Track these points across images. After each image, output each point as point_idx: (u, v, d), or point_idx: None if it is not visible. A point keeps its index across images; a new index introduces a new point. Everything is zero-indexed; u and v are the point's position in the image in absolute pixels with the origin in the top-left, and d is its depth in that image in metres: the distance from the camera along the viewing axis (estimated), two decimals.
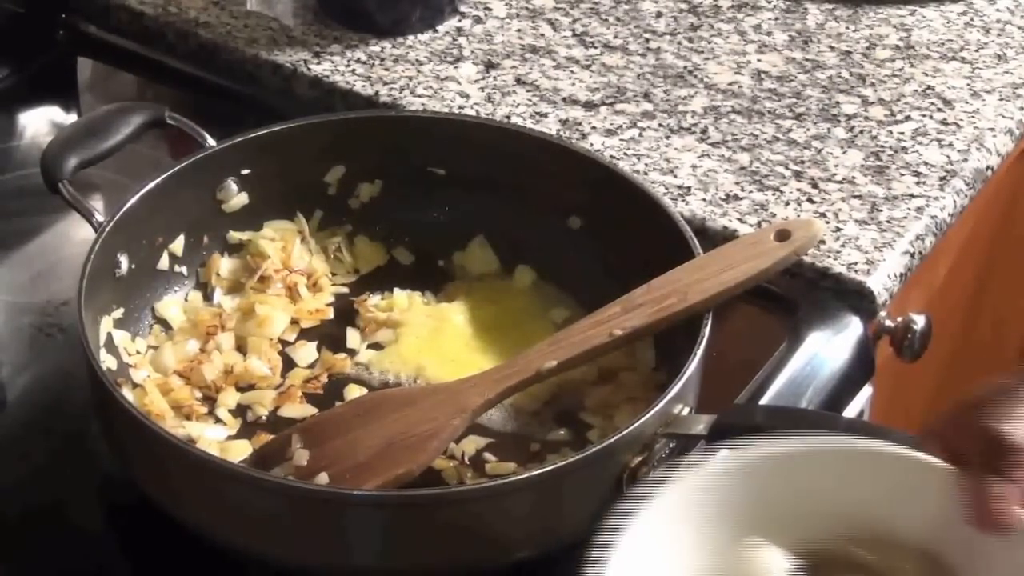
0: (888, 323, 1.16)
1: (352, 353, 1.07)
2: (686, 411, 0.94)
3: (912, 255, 1.17)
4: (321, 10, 1.38)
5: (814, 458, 0.75)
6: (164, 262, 1.08)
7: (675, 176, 1.21)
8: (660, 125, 1.26)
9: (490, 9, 1.40)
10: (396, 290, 1.11)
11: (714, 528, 0.75)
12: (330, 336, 1.08)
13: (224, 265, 1.11)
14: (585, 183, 1.09)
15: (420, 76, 1.31)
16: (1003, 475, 0.64)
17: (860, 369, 1.13)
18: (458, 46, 1.35)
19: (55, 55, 1.41)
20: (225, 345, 1.06)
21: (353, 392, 1.04)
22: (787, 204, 1.18)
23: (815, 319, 1.11)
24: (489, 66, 1.33)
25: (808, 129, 1.26)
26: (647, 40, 1.37)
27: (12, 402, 1.08)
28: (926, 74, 1.34)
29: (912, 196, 1.20)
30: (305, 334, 1.08)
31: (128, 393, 0.99)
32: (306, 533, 0.89)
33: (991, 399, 0.66)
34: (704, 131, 1.26)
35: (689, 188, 1.20)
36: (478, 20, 1.38)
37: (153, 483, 0.94)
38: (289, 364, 1.06)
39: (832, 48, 1.36)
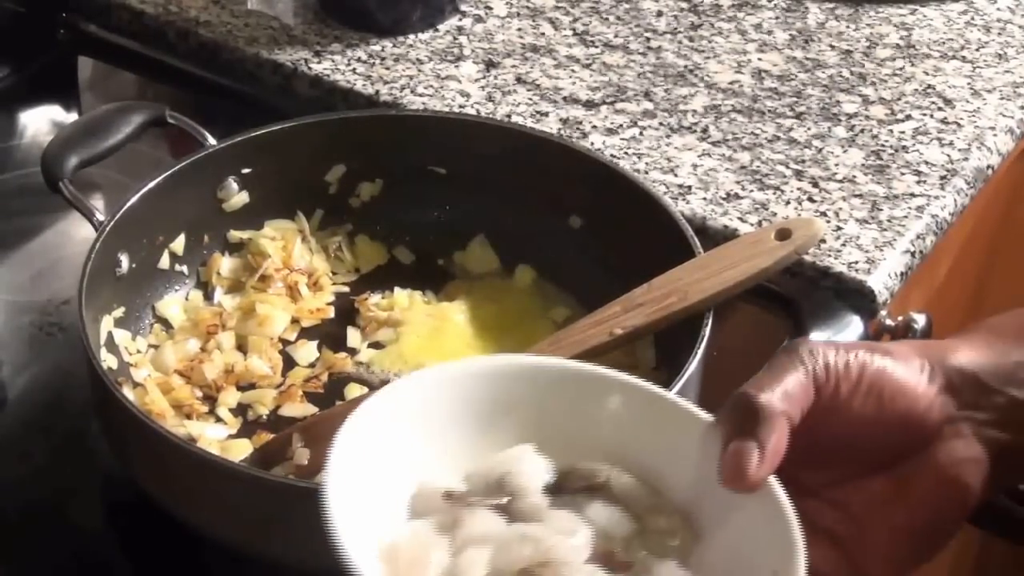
0: (888, 322, 1.15)
1: (353, 352, 1.07)
2: None
3: (913, 254, 1.17)
4: (322, 9, 1.38)
5: (586, 382, 0.75)
6: (165, 261, 1.08)
7: (676, 175, 1.21)
8: (661, 124, 1.26)
9: (491, 8, 1.40)
10: (397, 289, 1.11)
11: (471, 429, 0.73)
12: (331, 335, 1.08)
13: (225, 264, 1.11)
14: (586, 182, 1.09)
15: (421, 75, 1.31)
16: (751, 435, 0.69)
17: None
18: (459, 45, 1.35)
19: (56, 54, 1.41)
20: (226, 344, 1.06)
21: (354, 391, 1.04)
22: (788, 203, 1.18)
23: (816, 318, 1.11)
24: (490, 65, 1.33)
25: (809, 128, 1.26)
26: (648, 39, 1.37)
27: (12, 401, 1.08)
28: (927, 73, 1.34)
29: (913, 195, 1.20)
30: (306, 333, 1.08)
31: (129, 392, 0.99)
32: (306, 532, 0.89)
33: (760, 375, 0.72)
34: (705, 130, 1.26)
35: (690, 187, 1.20)
36: (479, 19, 1.38)
37: (153, 482, 0.94)
38: (290, 363, 1.06)
39: (833, 47, 1.36)
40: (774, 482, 0.69)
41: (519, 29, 1.37)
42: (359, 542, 0.67)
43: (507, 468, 0.72)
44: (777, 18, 1.40)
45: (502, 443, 0.73)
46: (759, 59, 1.34)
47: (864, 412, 0.72)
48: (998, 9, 1.42)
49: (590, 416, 0.74)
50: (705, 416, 0.73)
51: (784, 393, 0.70)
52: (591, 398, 0.74)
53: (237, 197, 1.11)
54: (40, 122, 1.36)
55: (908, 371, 0.72)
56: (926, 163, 1.23)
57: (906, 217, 1.18)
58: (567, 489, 0.72)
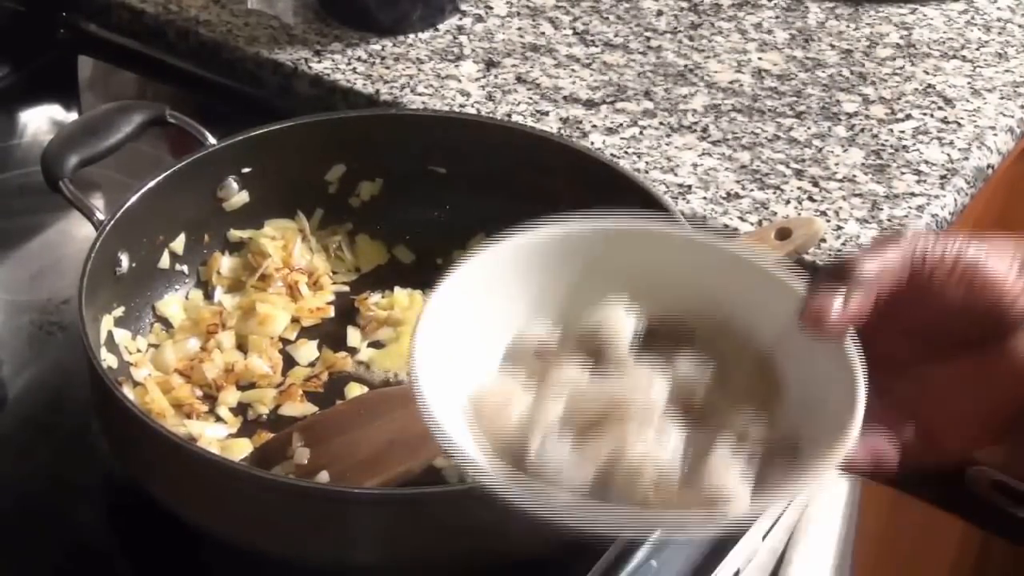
0: None
1: (353, 351, 1.07)
2: None
3: None
4: (322, 8, 1.38)
5: (674, 242, 0.79)
6: (165, 260, 1.08)
7: (676, 175, 1.21)
8: (661, 123, 1.26)
9: (491, 7, 1.40)
10: (397, 288, 1.11)
11: (557, 284, 0.77)
12: (331, 334, 1.08)
13: (225, 263, 1.11)
14: (586, 182, 1.09)
15: (421, 75, 1.31)
16: (837, 290, 0.73)
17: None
18: (459, 44, 1.35)
19: (56, 53, 1.41)
20: (226, 343, 1.06)
21: (354, 390, 1.04)
22: (788, 202, 1.18)
23: None
24: (490, 64, 1.33)
25: (809, 127, 1.26)
26: (648, 38, 1.37)
27: (12, 400, 1.08)
28: (927, 72, 1.34)
29: (913, 195, 1.20)
30: (306, 332, 1.08)
31: (129, 391, 0.99)
32: (307, 531, 0.89)
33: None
34: (705, 129, 1.26)
35: (690, 186, 1.20)
36: (479, 18, 1.38)
37: (153, 481, 0.94)
38: (290, 362, 1.06)
39: (833, 47, 1.36)
40: (849, 341, 0.73)
41: (519, 28, 1.37)
42: (442, 395, 0.71)
43: (599, 321, 0.76)
44: (777, 17, 1.40)
45: (592, 300, 0.77)
46: (759, 58, 1.34)
47: (953, 299, 0.75)
48: (998, 8, 1.43)
49: (678, 274, 0.78)
50: (793, 276, 0.77)
51: (878, 264, 0.74)
52: (680, 257, 0.78)
53: (237, 196, 1.11)
54: (40, 121, 1.36)
55: (1000, 264, 0.75)
56: (926, 162, 1.23)
57: (906, 216, 1.18)
58: (655, 342, 0.76)
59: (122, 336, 1.03)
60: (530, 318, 0.77)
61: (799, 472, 0.70)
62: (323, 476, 0.93)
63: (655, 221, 0.79)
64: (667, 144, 1.24)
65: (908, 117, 1.28)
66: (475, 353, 0.75)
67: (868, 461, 0.74)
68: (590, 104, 1.28)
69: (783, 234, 1.00)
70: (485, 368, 0.75)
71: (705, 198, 1.18)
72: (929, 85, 1.32)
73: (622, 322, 0.76)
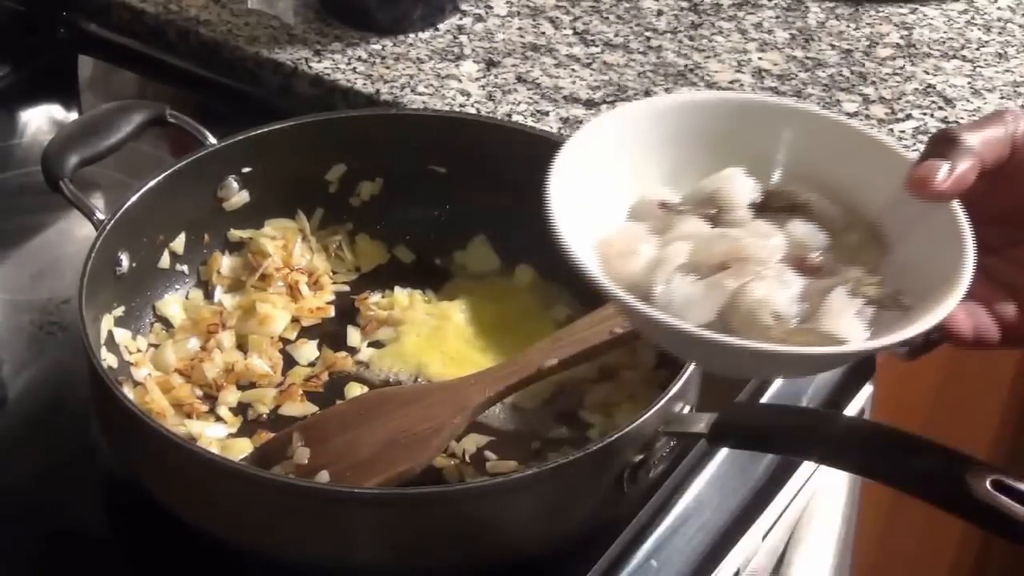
0: None
1: (353, 351, 1.07)
2: (687, 409, 0.94)
3: None
4: (322, 8, 1.38)
5: (780, 114, 0.85)
6: (165, 260, 1.08)
7: None
8: None
9: (491, 7, 1.40)
10: (397, 288, 1.11)
11: (675, 148, 0.83)
12: (331, 334, 1.08)
13: (225, 263, 1.11)
14: None
15: (421, 74, 1.31)
16: (943, 157, 0.77)
17: (861, 367, 1.13)
18: (459, 44, 1.35)
19: (56, 53, 1.41)
20: (226, 343, 1.06)
21: (354, 390, 1.04)
22: None
23: None
24: (490, 64, 1.33)
25: None
26: (648, 38, 1.37)
27: (13, 400, 1.08)
28: (927, 72, 1.34)
29: None
30: (306, 332, 1.08)
31: (129, 391, 0.99)
32: (307, 531, 0.89)
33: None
34: None
35: None
36: (479, 18, 1.38)
37: (154, 481, 0.94)
38: (290, 362, 1.06)
39: (833, 46, 1.36)
40: (957, 205, 0.77)
41: (519, 28, 1.37)
42: (576, 235, 0.77)
43: (718, 185, 0.81)
44: (777, 17, 1.40)
45: (716, 166, 0.82)
46: (759, 58, 1.34)
47: None
48: (998, 8, 1.42)
49: (795, 145, 0.83)
50: (901, 146, 0.82)
51: (982, 137, 0.77)
52: (796, 130, 0.83)
53: (237, 196, 1.11)
54: (40, 121, 1.36)
55: None
56: None
57: None
58: (771, 207, 0.81)
59: (122, 336, 1.03)
60: (654, 181, 0.82)
61: (908, 322, 0.75)
62: (323, 476, 0.93)
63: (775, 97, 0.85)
64: None
65: (908, 117, 1.28)
66: (603, 205, 0.80)
67: (970, 330, 0.77)
68: (590, 104, 1.28)
69: None
70: (612, 220, 0.81)
71: None
72: (929, 85, 1.32)
73: (742, 186, 0.81)
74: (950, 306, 0.74)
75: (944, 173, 0.77)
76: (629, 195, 0.82)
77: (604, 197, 0.81)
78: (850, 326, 0.76)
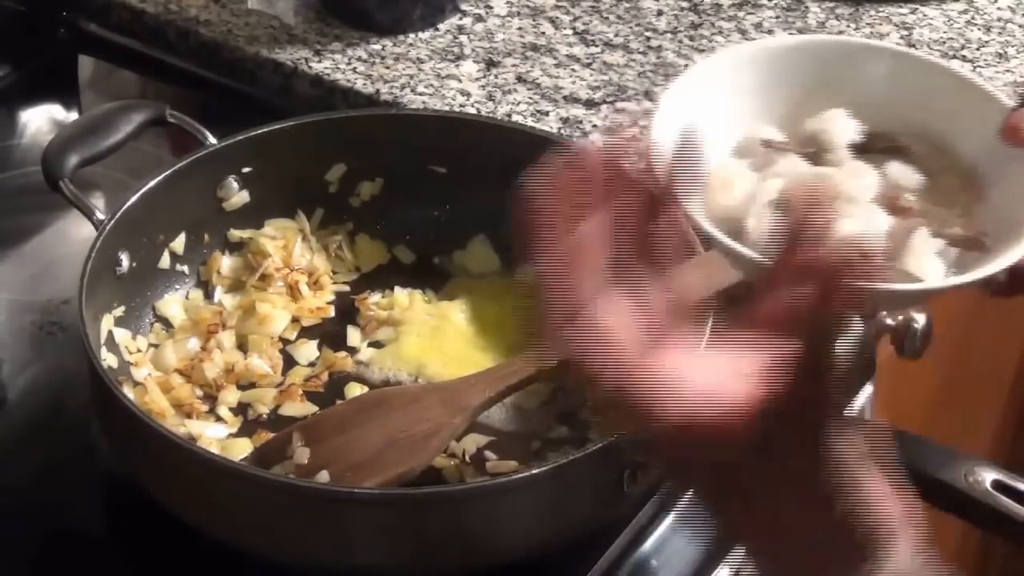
0: (889, 321, 1.15)
1: (353, 351, 1.07)
2: None
3: None
4: (322, 8, 1.38)
5: (884, 56, 0.87)
6: (165, 260, 1.08)
7: None
8: None
9: (491, 7, 1.40)
10: (397, 288, 1.11)
11: (779, 89, 0.85)
12: (331, 334, 1.08)
13: (225, 263, 1.11)
14: None
15: (421, 74, 1.31)
16: None
17: (861, 368, 1.12)
18: (459, 44, 1.35)
19: (56, 53, 1.41)
20: (226, 343, 1.06)
21: (354, 390, 1.04)
22: None
23: None
24: (490, 64, 1.33)
25: None
26: (648, 38, 1.37)
27: (13, 400, 1.08)
28: None
29: None
30: (306, 332, 1.08)
31: (129, 391, 0.99)
32: (307, 531, 0.89)
33: None
34: None
35: None
36: (479, 18, 1.38)
37: (154, 481, 0.94)
38: (290, 362, 1.06)
39: None
40: None
41: (519, 28, 1.37)
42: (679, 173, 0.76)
43: (820, 126, 0.83)
44: (777, 17, 1.40)
45: (819, 108, 0.84)
46: None
47: None
48: (998, 8, 1.42)
49: (895, 90, 0.85)
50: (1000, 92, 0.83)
51: None
52: (898, 74, 0.85)
53: (237, 196, 1.11)
54: (40, 121, 1.36)
55: None
56: None
57: None
58: (871, 149, 0.83)
59: (122, 336, 1.03)
60: (760, 120, 0.85)
61: (987, 261, 0.77)
62: (323, 476, 0.93)
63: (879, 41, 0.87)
64: None
65: None
66: (708, 143, 0.81)
67: None
68: (590, 104, 1.28)
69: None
70: (716, 157, 0.83)
71: None
72: None
73: (842, 125, 0.83)
74: None
75: None
76: (735, 134, 0.85)
77: (710, 135, 0.83)
78: (930, 265, 0.78)
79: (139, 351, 1.05)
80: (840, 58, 0.86)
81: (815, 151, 0.83)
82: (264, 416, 1.02)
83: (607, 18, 1.39)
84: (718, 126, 0.84)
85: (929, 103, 0.85)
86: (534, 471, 0.89)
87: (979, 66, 1.35)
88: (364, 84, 1.30)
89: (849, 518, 0.65)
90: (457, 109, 1.27)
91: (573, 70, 1.32)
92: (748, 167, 0.83)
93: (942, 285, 0.79)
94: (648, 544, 0.96)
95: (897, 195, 0.82)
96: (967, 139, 0.84)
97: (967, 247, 0.79)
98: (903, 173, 0.83)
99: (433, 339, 1.07)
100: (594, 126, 1.25)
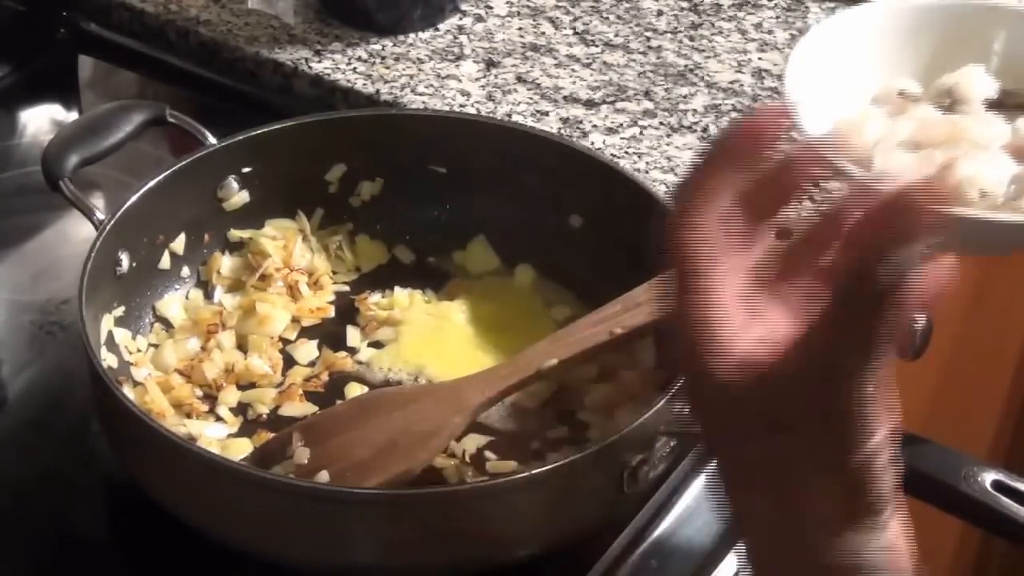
0: None
1: (353, 351, 1.07)
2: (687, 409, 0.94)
3: None
4: (322, 8, 1.38)
5: (1018, 16, 0.90)
6: (165, 260, 1.08)
7: (676, 175, 1.21)
8: (661, 123, 1.26)
9: (491, 7, 1.40)
10: (397, 288, 1.11)
11: (919, 44, 0.89)
12: (331, 334, 1.08)
13: (225, 263, 1.11)
14: (586, 182, 1.09)
15: (421, 74, 1.31)
16: None
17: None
18: (459, 44, 1.35)
19: (56, 53, 1.41)
20: (226, 343, 1.06)
21: (354, 390, 1.04)
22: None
23: None
24: (490, 64, 1.33)
25: None
26: (648, 38, 1.37)
27: (13, 400, 1.08)
28: None
29: None
30: (306, 332, 1.08)
31: (129, 391, 0.99)
32: (306, 531, 0.89)
33: None
34: (705, 129, 1.26)
35: None
36: (479, 18, 1.38)
37: (154, 481, 0.94)
38: (290, 362, 1.06)
39: None
40: None
41: (519, 28, 1.37)
42: (812, 113, 0.83)
43: (958, 80, 0.87)
44: (777, 17, 1.40)
45: (956, 64, 0.87)
46: (759, 58, 1.34)
47: None
48: None
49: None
50: None
51: None
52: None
53: (237, 196, 1.11)
54: (40, 121, 1.36)
55: None
56: None
57: None
58: (1005, 105, 0.86)
59: (122, 336, 1.03)
60: (899, 72, 0.88)
61: None
62: (323, 476, 0.93)
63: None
64: (667, 144, 1.24)
65: None
66: (847, 90, 0.87)
67: None
68: (590, 104, 1.28)
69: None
70: (855, 104, 0.87)
71: None
72: None
73: (979, 81, 0.87)
74: None
75: None
76: (874, 83, 0.88)
77: (850, 83, 0.87)
78: None
79: (139, 351, 1.05)
80: (981, 16, 0.89)
81: (950, 103, 0.86)
82: (264, 416, 1.02)
83: (607, 18, 1.39)
84: (857, 75, 0.87)
85: None
86: (534, 471, 0.89)
87: None
88: (364, 84, 1.30)
89: (871, 500, 0.65)
90: (457, 109, 1.27)
91: (573, 70, 1.32)
92: (883, 114, 0.86)
93: None
94: (648, 544, 0.97)
95: None
96: None
97: None
98: None
99: (433, 339, 1.07)
100: (594, 126, 1.26)
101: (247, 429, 1.01)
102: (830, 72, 0.87)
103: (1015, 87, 0.87)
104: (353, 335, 1.08)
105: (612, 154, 1.22)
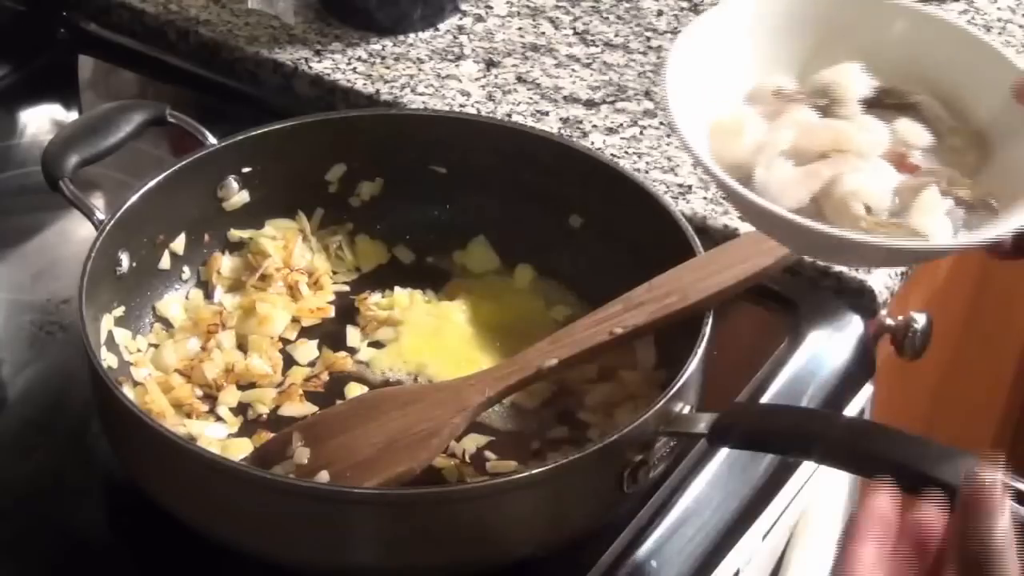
0: (889, 321, 1.16)
1: (353, 351, 1.07)
2: (687, 410, 0.94)
3: None
4: (322, 8, 1.38)
5: (900, 13, 0.88)
6: (165, 260, 1.08)
7: (676, 175, 1.21)
8: (661, 123, 1.26)
9: (491, 7, 1.40)
10: (397, 288, 1.11)
11: (794, 38, 0.86)
12: (331, 334, 1.08)
13: (225, 263, 1.11)
14: (586, 181, 1.09)
15: (421, 74, 1.31)
16: None
17: (861, 368, 1.13)
18: (459, 44, 1.35)
19: (56, 53, 1.41)
20: (226, 343, 1.06)
21: (354, 390, 1.04)
22: None
23: (816, 317, 1.11)
24: (490, 64, 1.33)
25: None
26: (648, 38, 1.37)
27: (13, 400, 1.08)
28: None
29: None
30: (306, 332, 1.08)
31: (129, 391, 0.99)
32: (307, 531, 0.89)
33: None
34: None
35: (690, 187, 1.20)
36: (479, 18, 1.38)
37: (154, 481, 0.94)
38: (290, 362, 1.06)
39: None
40: None
41: (519, 28, 1.37)
42: (689, 117, 0.81)
43: (833, 78, 0.85)
44: None
45: (832, 60, 0.85)
46: None
47: None
48: (998, 8, 1.42)
49: (910, 48, 0.86)
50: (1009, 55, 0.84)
51: None
52: (913, 31, 0.86)
53: (237, 196, 1.11)
54: (40, 121, 1.36)
55: None
56: None
57: None
58: (882, 104, 0.84)
59: (122, 336, 1.03)
60: (771, 70, 0.86)
61: (995, 223, 0.78)
62: (323, 476, 0.93)
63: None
64: (667, 144, 1.24)
65: None
66: (719, 91, 0.84)
67: None
68: (590, 104, 1.28)
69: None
70: (727, 104, 0.84)
71: (705, 198, 1.18)
72: None
73: (855, 79, 0.84)
74: None
75: None
76: (747, 81, 0.85)
77: (723, 81, 0.84)
78: (937, 224, 0.79)
79: (139, 351, 1.05)
80: (858, 11, 0.87)
81: (827, 103, 0.84)
82: (264, 416, 1.02)
83: (607, 18, 1.39)
84: (732, 71, 0.85)
85: (943, 63, 0.86)
86: (534, 471, 0.89)
87: None
88: (364, 84, 1.30)
89: None
90: (457, 109, 1.27)
91: (573, 70, 1.32)
92: (759, 115, 0.84)
93: (949, 244, 0.79)
94: (648, 544, 0.96)
95: (905, 152, 0.82)
96: (979, 101, 0.84)
97: (977, 208, 0.80)
98: (912, 130, 0.84)
99: (433, 339, 1.07)
100: (594, 126, 1.26)
101: (247, 429, 1.01)
102: (707, 69, 0.84)
103: (892, 85, 0.86)
104: (353, 335, 1.08)
105: (612, 154, 1.22)
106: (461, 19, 1.38)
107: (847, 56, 0.85)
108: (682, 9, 1.40)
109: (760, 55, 0.85)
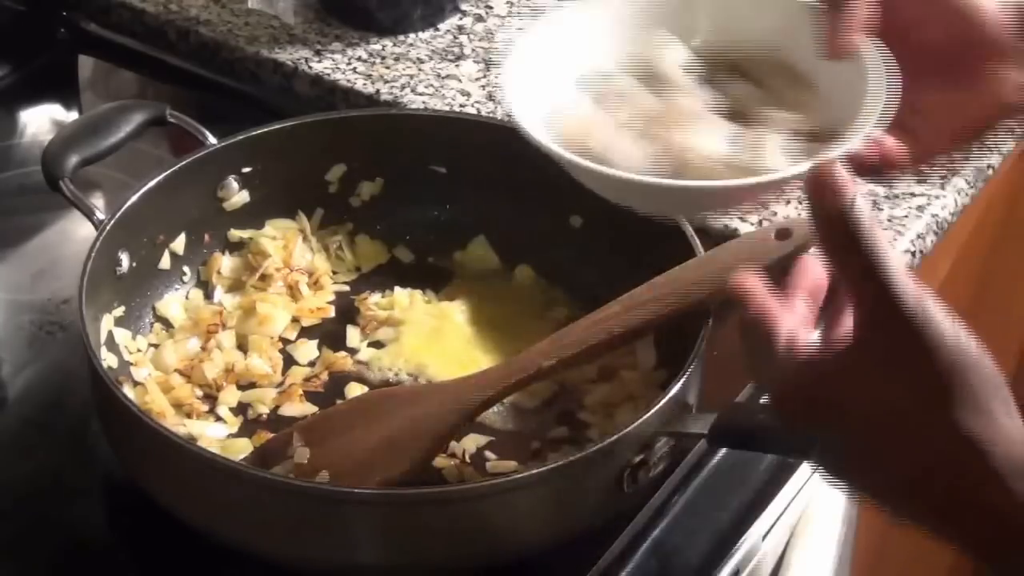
0: None
1: (353, 351, 1.07)
2: (687, 410, 0.94)
3: (913, 254, 1.17)
4: (322, 8, 1.38)
5: None
6: (165, 260, 1.08)
7: None
8: None
9: (491, 7, 1.40)
10: (397, 288, 1.11)
11: (625, 20, 0.92)
12: (331, 334, 1.08)
13: (225, 263, 1.11)
14: None
15: (421, 74, 1.31)
16: (838, 7, 0.84)
17: None
18: (459, 44, 1.35)
19: (56, 53, 1.41)
20: (226, 343, 1.06)
21: (354, 390, 1.04)
22: (788, 202, 1.18)
23: None
24: (490, 64, 1.33)
25: None
26: None
27: (13, 400, 1.08)
28: None
29: (913, 195, 1.20)
30: (306, 332, 1.08)
31: (129, 391, 0.99)
32: (307, 531, 0.89)
33: None
34: None
35: None
36: (479, 18, 1.38)
37: (154, 481, 0.94)
38: (290, 362, 1.06)
39: None
40: (868, 44, 0.84)
41: (519, 28, 1.37)
42: (528, 106, 0.87)
43: (653, 52, 0.90)
44: None
45: (649, 35, 0.91)
46: None
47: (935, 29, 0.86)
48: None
49: (716, 7, 0.92)
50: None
51: None
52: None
53: (238, 196, 1.11)
54: (40, 121, 1.36)
55: None
56: None
57: (906, 216, 1.18)
58: (707, 69, 0.90)
59: (122, 336, 1.03)
60: (599, 53, 0.91)
61: (830, 146, 0.82)
62: (323, 476, 0.93)
63: None
64: None
65: None
66: (554, 79, 0.90)
67: (878, 154, 0.84)
68: None
69: (783, 234, 0.99)
70: (562, 89, 0.89)
71: None
72: None
73: (671, 49, 0.90)
74: (863, 132, 0.81)
75: (840, 30, 0.84)
76: (577, 68, 0.90)
77: (555, 72, 0.90)
78: (775, 159, 0.83)
79: (139, 351, 1.05)
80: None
81: (650, 74, 0.89)
82: (264, 416, 1.02)
83: None
84: (564, 63, 0.90)
85: (747, 16, 0.91)
86: (534, 471, 0.89)
87: None
88: (364, 84, 1.30)
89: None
90: (457, 109, 1.27)
91: None
92: (591, 97, 0.89)
93: (783, 175, 0.83)
94: (648, 544, 0.96)
95: (732, 104, 0.87)
96: (800, 52, 0.89)
97: (810, 140, 0.84)
98: (742, 89, 0.89)
99: (433, 339, 1.07)
100: None
101: (247, 429, 1.01)
102: (540, 55, 0.90)
103: (705, 46, 0.91)
104: (353, 335, 1.08)
105: None
106: (461, 19, 1.38)
107: (661, 28, 0.91)
108: None
109: (587, 43, 0.91)
